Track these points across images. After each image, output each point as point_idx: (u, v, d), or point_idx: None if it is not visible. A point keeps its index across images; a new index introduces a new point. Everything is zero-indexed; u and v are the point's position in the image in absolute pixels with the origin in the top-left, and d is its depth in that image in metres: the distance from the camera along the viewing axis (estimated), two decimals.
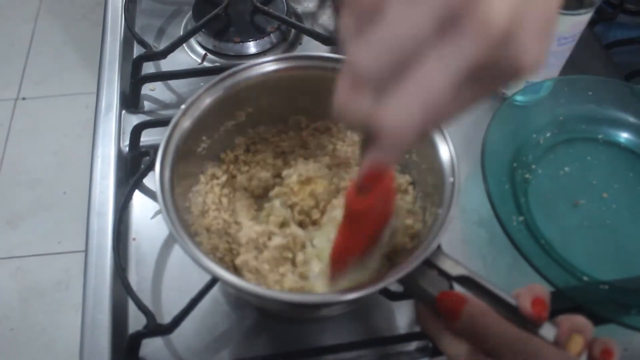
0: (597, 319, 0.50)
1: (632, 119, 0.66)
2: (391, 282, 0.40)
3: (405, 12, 0.24)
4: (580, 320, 0.36)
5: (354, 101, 0.27)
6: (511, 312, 0.37)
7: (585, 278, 0.54)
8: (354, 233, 0.41)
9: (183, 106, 0.48)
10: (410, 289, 0.42)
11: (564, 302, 0.51)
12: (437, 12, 0.24)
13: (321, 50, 0.75)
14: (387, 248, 0.47)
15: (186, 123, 0.48)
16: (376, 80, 0.26)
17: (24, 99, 1.90)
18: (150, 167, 0.62)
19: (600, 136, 0.66)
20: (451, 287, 0.41)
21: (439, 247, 0.42)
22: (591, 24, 0.80)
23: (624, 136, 0.66)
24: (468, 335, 0.37)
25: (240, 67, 0.51)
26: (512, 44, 0.25)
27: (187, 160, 0.50)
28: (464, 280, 0.40)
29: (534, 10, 0.26)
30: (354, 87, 0.27)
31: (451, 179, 0.46)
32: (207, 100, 0.50)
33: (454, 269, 0.41)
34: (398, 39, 0.25)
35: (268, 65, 0.52)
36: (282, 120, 0.58)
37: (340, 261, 0.43)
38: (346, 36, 0.27)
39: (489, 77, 0.27)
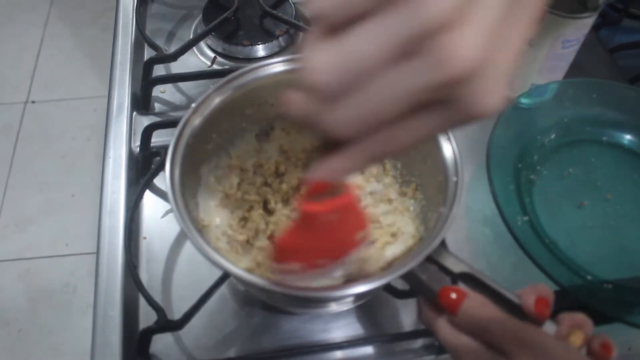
0: (601, 318, 0.50)
1: (636, 122, 0.66)
2: (394, 277, 0.41)
3: (373, 31, 0.24)
4: (580, 317, 0.37)
5: (304, 103, 0.27)
6: (513, 310, 0.38)
7: (589, 277, 0.55)
8: (304, 234, 0.38)
9: (194, 104, 0.49)
10: (413, 285, 0.43)
11: (568, 301, 0.52)
12: (404, 35, 0.24)
13: None
14: (353, 271, 0.45)
15: (196, 121, 0.49)
16: (328, 88, 0.26)
17: (33, 102, 1.92)
18: (161, 167, 0.63)
19: (604, 138, 0.67)
20: (454, 283, 0.42)
21: (442, 245, 0.42)
22: (596, 28, 0.81)
23: (627, 138, 0.66)
24: (469, 327, 0.37)
25: (251, 67, 0.52)
26: (474, 87, 0.25)
27: (197, 157, 0.51)
28: (467, 278, 0.41)
29: (503, 56, 0.25)
30: (306, 91, 0.27)
31: (454, 179, 0.46)
32: (218, 99, 0.51)
33: (456, 266, 0.41)
34: (357, 54, 0.25)
35: (278, 66, 0.53)
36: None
37: (282, 254, 0.40)
38: (309, 43, 0.27)
39: (443, 113, 0.26)
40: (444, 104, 0.26)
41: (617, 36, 0.84)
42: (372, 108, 0.26)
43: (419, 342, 0.55)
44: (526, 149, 0.64)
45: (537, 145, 0.65)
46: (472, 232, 0.61)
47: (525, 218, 0.58)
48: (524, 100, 0.65)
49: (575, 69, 0.70)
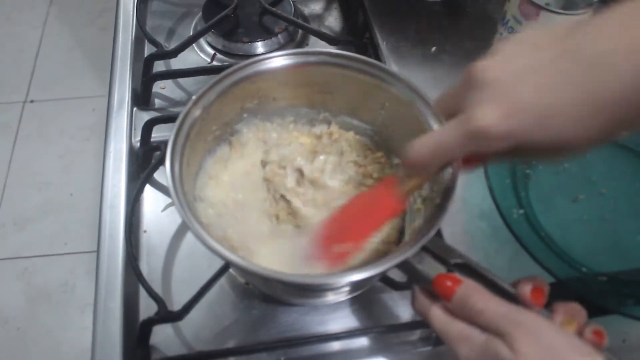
0: (596, 310, 0.51)
1: None
2: (391, 266, 0.41)
3: None
4: (574, 306, 0.38)
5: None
6: (508, 299, 0.38)
7: (584, 270, 0.56)
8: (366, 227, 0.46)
9: (194, 97, 0.50)
10: (408, 274, 0.43)
11: (564, 293, 0.53)
12: None
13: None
14: None
15: (197, 113, 0.50)
16: None
17: (32, 102, 1.92)
18: (161, 161, 0.63)
19: None
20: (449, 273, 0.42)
21: (438, 236, 0.43)
22: None
23: (622, 134, 0.67)
24: (464, 312, 0.38)
25: (252, 60, 0.53)
26: (480, 95, 0.35)
27: (198, 148, 0.51)
28: (463, 268, 0.41)
29: (517, 87, 0.33)
30: None
31: (450, 170, 0.47)
32: (218, 92, 0.51)
33: (452, 256, 0.42)
34: None
35: (279, 60, 0.53)
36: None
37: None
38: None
39: (461, 120, 0.36)
40: (462, 111, 0.35)
41: None
42: None
43: (416, 334, 0.55)
44: None
45: None
46: (469, 225, 0.61)
47: (521, 211, 0.59)
48: None
49: None
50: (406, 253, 0.41)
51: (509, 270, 0.58)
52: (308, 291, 0.52)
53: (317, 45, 0.80)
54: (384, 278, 0.55)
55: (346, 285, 0.50)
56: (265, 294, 0.57)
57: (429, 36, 0.80)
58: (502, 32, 0.67)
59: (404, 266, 0.42)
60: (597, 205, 0.62)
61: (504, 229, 0.56)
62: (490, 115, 0.33)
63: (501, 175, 0.60)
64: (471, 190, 0.63)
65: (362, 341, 0.55)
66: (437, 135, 0.38)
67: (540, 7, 0.61)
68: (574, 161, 0.65)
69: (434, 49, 0.78)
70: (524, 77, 0.33)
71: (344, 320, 0.56)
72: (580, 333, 0.37)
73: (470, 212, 0.62)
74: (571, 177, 0.64)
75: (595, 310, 0.51)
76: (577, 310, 0.38)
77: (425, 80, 0.73)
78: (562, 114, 0.32)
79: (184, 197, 0.45)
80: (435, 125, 0.49)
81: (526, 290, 0.37)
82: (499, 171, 0.60)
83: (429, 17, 0.83)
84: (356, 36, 0.79)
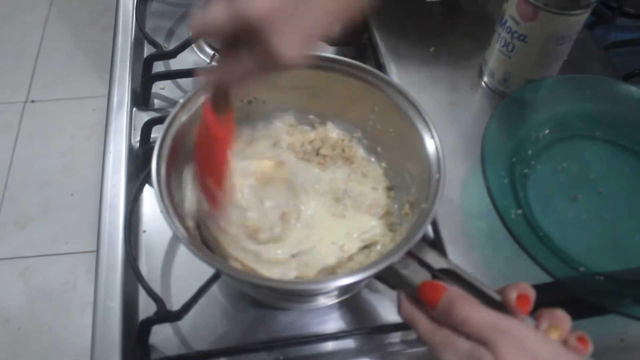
0: (594, 309, 0.51)
1: (628, 117, 0.67)
2: (375, 272, 0.42)
3: None
4: (559, 313, 0.38)
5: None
6: (494, 306, 0.38)
7: (582, 269, 0.56)
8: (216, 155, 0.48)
9: (181, 100, 0.50)
10: (393, 280, 0.43)
11: (561, 292, 0.53)
12: None
13: (326, 50, 0.77)
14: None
15: (184, 117, 0.50)
16: None
17: (32, 101, 1.93)
18: None
19: (597, 133, 0.67)
20: (434, 279, 0.42)
21: (423, 241, 0.43)
22: (591, 26, 0.82)
23: (620, 134, 0.67)
24: (448, 319, 0.38)
25: None
26: (271, 35, 0.36)
27: (185, 153, 0.52)
28: (448, 274, 0.42)
29: (298, 20, 0.37)
30: None
31: (437, 176, 0.47)
32: (205, 96, 0.51)
33: (437, 262, 0.42)
34: None
35: None
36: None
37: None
38: None
39: (252, 55, 0.38)
40: (251, 47, 0.37)
41: (612, 35, 0.85)
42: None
43: (413, 333, 0.55)
44: (520, 143, 0.65)
45: (531, 140, 0.66)
46: (467, 225, 0.61)
47: (520, 211, 0.59)
48: (518, 96, 0.66)
49: (571, 66, 0.71)
50: (391, 258, 0.41)
51: (507, 270, 0.58)
52: (294, 295, 0.52)
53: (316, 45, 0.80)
54: (381, 278, 0.55)
55: (333, 290, 0.50)
56: None
57: (428, 36, 0.80)
58: (500, 33, 0.67)
59: (388, 272, 0.42)
60: (595, 205, 0.62)
61: (501, 229, 0.56)
62: (290, 45, 0.38)
63: (499, 175, 0.60)
64: (469, 190, 0.63)
65: (361, 340, 0.55)
66: (238, 69, 0.40)
67: (538, 8, 0.61)
68: (572, 161, 0.65)
69: (432, 49, 0.78)
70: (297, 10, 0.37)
71: (343, 319, 0.56)
72: (564, 339, 0.37)
73: (468, 212, 0.62)
74: (569, 177, 0.64)
75: (593, 309, 0.52)
76: (561, 316, 0.38)
77: (424, 80, 0.74)
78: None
79: (169, 201, 0.45)
80: (425, 133, 0.49)
81: (512, 297, 0.37)
82: (497, 171, 0.60)
83: (428, 18, 0.83)
84: (355, 37, 0.79)
